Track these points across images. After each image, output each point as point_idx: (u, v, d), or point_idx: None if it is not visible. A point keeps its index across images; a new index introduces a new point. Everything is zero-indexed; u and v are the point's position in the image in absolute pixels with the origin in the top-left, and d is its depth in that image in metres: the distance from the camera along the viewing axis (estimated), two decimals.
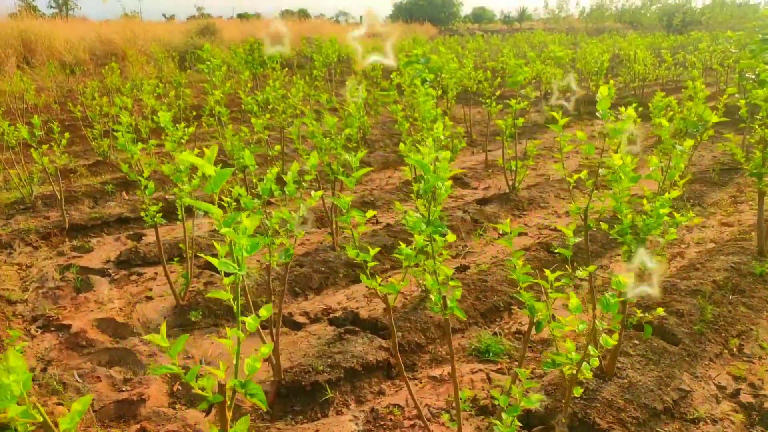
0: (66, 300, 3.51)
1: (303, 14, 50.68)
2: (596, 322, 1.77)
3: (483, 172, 6.25)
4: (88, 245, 4.37)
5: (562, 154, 3.00)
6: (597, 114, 2.52)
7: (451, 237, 2.41)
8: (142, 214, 3.05)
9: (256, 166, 3.02)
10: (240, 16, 49.70)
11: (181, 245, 3.44)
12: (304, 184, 2.67)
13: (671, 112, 4.80)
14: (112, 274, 3.87)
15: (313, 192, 2.41)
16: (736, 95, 6.88)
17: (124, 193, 5.71)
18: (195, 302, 3.30)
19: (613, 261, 3.88)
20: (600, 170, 2.54)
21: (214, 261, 1.26)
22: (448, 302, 1.87)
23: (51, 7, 46.53)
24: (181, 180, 3.02)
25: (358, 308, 3.34)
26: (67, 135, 5.39)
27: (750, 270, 3.48)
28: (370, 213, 2.09)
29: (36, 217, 5.03)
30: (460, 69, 5.78)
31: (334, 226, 4.12)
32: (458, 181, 5.89)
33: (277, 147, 5.02)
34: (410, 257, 3.06)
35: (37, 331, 3.16)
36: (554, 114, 2.81)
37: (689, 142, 2.92)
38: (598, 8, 47.73)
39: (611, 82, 5.93)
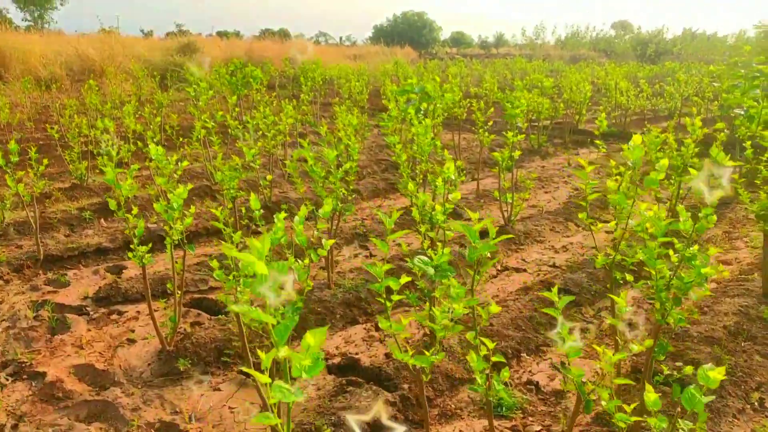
0: (40, 342, 3.24)
1: (284, 34, 50.85)
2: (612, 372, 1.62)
3: (475, 202, 6.15)
4: (64, 278, 4.10)
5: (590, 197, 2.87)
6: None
7: (452, 281, 2.28)
8: (130, 255, 2.82)
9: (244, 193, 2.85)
10: (219, 33, 49.55)
11: (168, 285, 3.22)
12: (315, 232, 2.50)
13: (667, 149, 4.78)
14: (91, 313, 3.61)
15: (324, 240, 2.24)
16: (726, 130, 6.93)
17: (102, 220, 5.44)
18: (182, 347, 3.07)
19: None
20: (630, 221, 2.42)
21: (263, 378, 1.07)
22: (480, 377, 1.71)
23: (25, 20, 45.76)
24: (173, 218, 2.82)
25: (357, 354, 3.15)
26: (45, 161, 5.13)
27: (758, 314, 3.40)
28: (404, 279, 1.93)
29: (7, 246, 4.73)
30: (448, 94, 5.72)
31: (330, 260, 3.94)
32: (454, 215, 5.77)
33: (269, 176, 4.86)
34: (414, 298, 2.90)
35: (7, 380, 2.89)
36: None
37: (687, 179, 2.83)
38: (573, 36, 48.91)
39: (603, 115, 5.92)
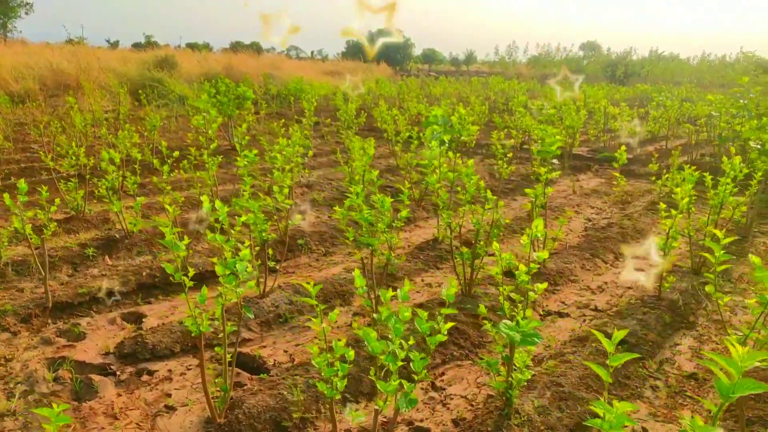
0: (67, 412, 2.90)
1: (256, 48, 50.42)
2: None
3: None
4: (78, 329, 3.75)
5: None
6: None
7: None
8: (192, 328, 2.53)
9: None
10: (190, 45, 48.85)
11: (192, 327, 2.93)
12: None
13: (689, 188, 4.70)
14: (117, 373, 3.28)
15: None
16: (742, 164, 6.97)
17: (107, 257, 5.07)
18: (234, 420, 2.78)
19: (675, 353, 3.64)
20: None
21: None
22: None
23: None
24: (229, 282, 2.55)
25: (423, 420, 2.92)
26: (44, 191, 4.77)
27: None
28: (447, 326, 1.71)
29: (8, 290, 4.33)
30: (474, 127, 5.59)
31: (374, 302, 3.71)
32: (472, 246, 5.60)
33: (297, 219, 4.60)
34: (493, 365, 2.70)
35: None
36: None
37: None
38: (545, 56, 50.03)
39: (623, 148, 5.86)
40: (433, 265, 5.12)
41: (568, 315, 4.16)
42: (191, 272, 2.74)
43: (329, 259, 5.33)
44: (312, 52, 71.79)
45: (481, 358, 3.51)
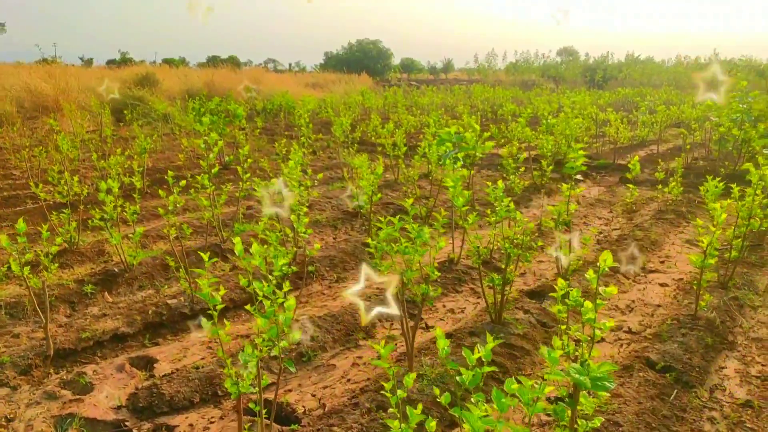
0: None
1: (234, 62, 50.04)
2: None
3: None
4: (84, 379, 3.45)
5: None
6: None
7: None
8: (232, 389, 2.28)
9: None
10: (166, 61, 48.24)
11: (228, 383, 2.66)
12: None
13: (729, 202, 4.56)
14: (133, 431, 2.99)
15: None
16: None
17: (106, 293, 4.76)
18: None
19: (723, 377, 3.46)
20: None
21: None
22: None
23: None
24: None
25: None
26: (45, 230, 4.47)
27: None
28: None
29: (1, 336, 4.00)
30: (489, 142, 5.41)
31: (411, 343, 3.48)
32: (488, 265, 5.41)
33: (315, 248, 4.36)
34: (560, 412, 2.49)
35: None
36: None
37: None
38: (524, 62, 50.44)
39: (635, 158, 5.71)
40: (452, 288, 4.91)
41: (602, 339, 3.97)
42: (218, 304, 2.47)
43: (342, 286, 5.09)
44: (290, 65, 71.54)
45: None
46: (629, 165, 6.36)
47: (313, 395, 3.35)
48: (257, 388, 2.52)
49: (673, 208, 7.32)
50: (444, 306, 4.62)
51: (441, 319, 4.36)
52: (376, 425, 2.86)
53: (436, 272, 3.20)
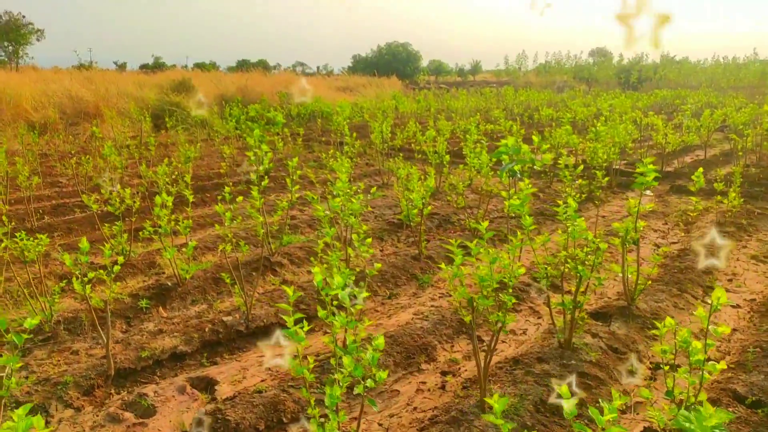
0: None
1: (264, 66, 50.54)
2: None
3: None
4: (146, 401, 3.39)
5: None
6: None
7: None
8: (314, 428, 2.17)
9: None
10: (198, 65, 48.98)
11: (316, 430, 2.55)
12: None
13: None
14: None
15: None
16: None
17: (161, 308, 4.74)
18: None
19: None
20: None
21: None
22: None
23: None
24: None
25: None
26: (107, 249, 4.45)
27: None
28: None
29: (61, 353, 4.00)
30: (548, 155, 5.23)
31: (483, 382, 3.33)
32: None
33: (375, 267, 4.26)
34: None
35: None
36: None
37: None
38: (555, 63, 49.73)
39: (700, 170, 5.45)
40: (510, 307, 4.74)
41: (679, 366, 3.75)
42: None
43: (395, 303, 4.96)
44: (318, 68, 71.94)
45: None
46: (693, 177, 6.08)
47: (380, 424, 3.23)
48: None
49: (732, 220, 7.00)
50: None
51: (503, 341, 4.20)
52: None
53: (512, 299, 3.04)
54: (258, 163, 5.24)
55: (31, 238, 4.27)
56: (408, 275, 5.42)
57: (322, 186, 8.44)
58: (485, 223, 3.21)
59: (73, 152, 10.65)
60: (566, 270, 3.67)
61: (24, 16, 44.87)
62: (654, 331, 2.91)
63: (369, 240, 4.01)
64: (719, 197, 7.03)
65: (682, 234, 6.78)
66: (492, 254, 3.01)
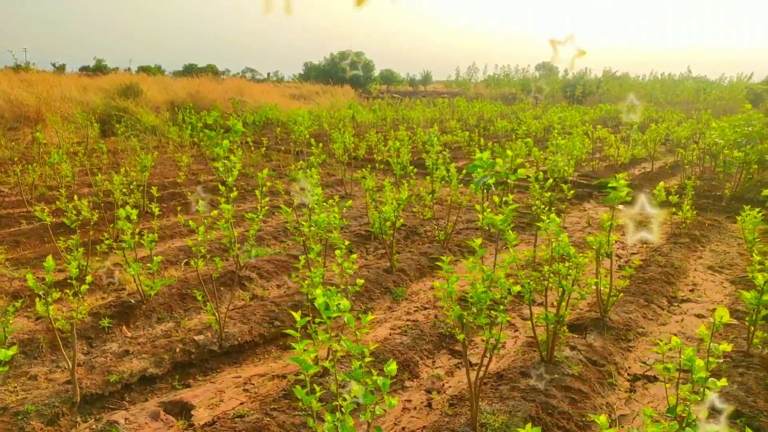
0: None
1: (213, 71, 49.41)
2: None
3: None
4: (117, 430, 3.17)
5: None
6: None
7: None
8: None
9: None
10: (142, 68, 47.32)
11: None
12: None
13: None
14: None
15: None
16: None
17: (124, 327, 4.47)
18: None
19: None
20: None
21: None
22: None
23: None
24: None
25: None
26: (74, 267, 4.17)
27: None
28: None
29: (18, 377, 3.70)
30: (522, 170, 5.30)
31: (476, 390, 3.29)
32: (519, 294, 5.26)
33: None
34: None
35: None
36: None
37: None
38: (504, 76, 51.06)
39: (661, 184, 5.65)
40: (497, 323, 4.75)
41: (656, 378, 3.85)
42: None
43: (370, 318, 4.87)
44: (269, 74, 71.08)
45: None
46: (655, 191, 6.33)
47: None
48: None
49: (686, 231, 7.31)
50: (483, 340, 4.45)
51: (482, 365, 4.18)
52: None
53: (506, 316, 3.03)
54: (227, 174, 5.06)
55: None
56: (382, 288, 5.36)
57: (287, 196, 8.28)
58: (479, 240, 3.19)
59: (14, 159, 10.01)
60: (549, 285, 3.70)
61: None
62: (654, 348, 2.95)
63: (354, 256, 3.92)
64: (674, 209, 7.35)
65: (640, 245, 7.03)
66: (486, 271, 2.99)
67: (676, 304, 5.17)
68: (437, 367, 4.02)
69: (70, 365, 3.37)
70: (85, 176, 9.93)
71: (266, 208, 5.61)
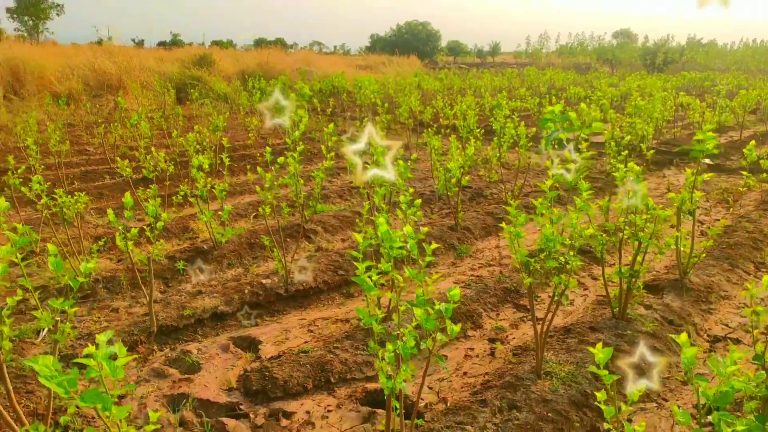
0: None
1: (281, 44, 50.08)
2: None
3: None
4: (190, 358, 3.33)
5: None
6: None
7: None
8: (383, 380, 2.07)
9: None
10: (215, 43, 48.67)
11: (385, 383, 2.45)
12: None
13: None
14: (250, 415, 2.85)
15: None
16: None
17: (197, 270, 4.67)
18: None
19: None
20: None
21: None
22: None
23: (18, 30, 44.64)
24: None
25: None
26: (151, 206, 4.38)
27: None
28: None
29: (101, 310, 3.96)
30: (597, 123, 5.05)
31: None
32: (587, 254, 5.06)
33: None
34: None
35: None
36: None
37: None
38: (578, 45, 48.71)
39: (752, 143, 5.24)
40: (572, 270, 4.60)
41: (739, 341, 3.61)
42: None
43: (434, 272, 4.85)
44: (335, 47, 71.25)
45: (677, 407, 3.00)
46: (745, 150, 5.86)
47: (430, 387, 3.14)
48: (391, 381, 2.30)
49: None
50: (549, 296, 4.32)
51: (549, 311, 4.06)
52: (511, 426, 2.62)
53: (577, 260, 2.91)
54: (294, 128, 5.12)
55: (69, 196, 4.21)
56: (446, 245, 5.30)
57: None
58: (548, 199, 3.06)
59: (98, 122, 10.61)
60: (624, 236, 3.52)
61: None
62: (745, 310, 2.74)
63: (418, 201, 3.89)
64: (765, 174, 6.78)
65: (724, 211, 6.56)
66: (558, 213, 2.87)
67: (764, 269, 4.80)
68: (501, 320, 3.95)
69: (148, 297, 3.56)
70: (162, 138, 10.38)
71: (332, 162, 5.65)
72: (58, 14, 47.04)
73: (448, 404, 2.94)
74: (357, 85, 13.02)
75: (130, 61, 17.72)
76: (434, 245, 2.51)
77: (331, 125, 5.44)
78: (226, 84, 18.25)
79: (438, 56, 50.48)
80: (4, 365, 2.09)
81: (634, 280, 3.54)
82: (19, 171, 4.98)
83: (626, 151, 6.05)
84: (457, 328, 2.16)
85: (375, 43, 52.87)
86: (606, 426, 2.02)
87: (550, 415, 2.71)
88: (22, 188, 4.57)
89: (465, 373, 3.26)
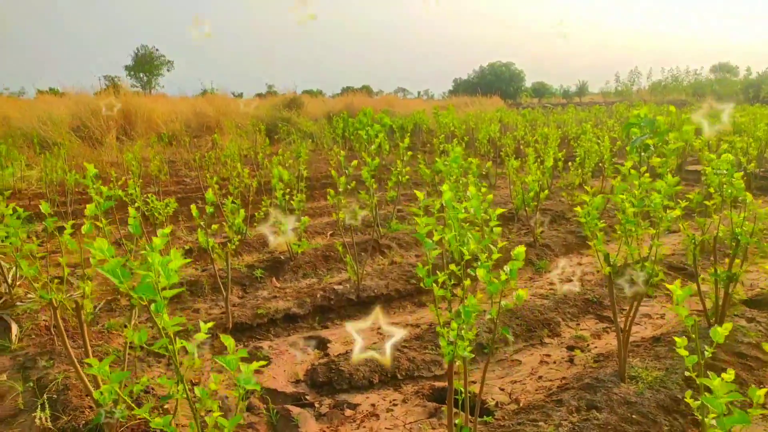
0: None
1: (367, 90, 51.94)
2: None
3: None
4: (261, 353, 3.39)
5: None
6: None
7: None
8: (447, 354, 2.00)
9: None
10: (306, 92, 51.43)
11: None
12: None
13: None
14: (315, 405, 2.82)
15: None
16: None
17: (274, 278, 4.81)
18: None
19: None
20: None
21: None
22: None
23: (134, 86, 49.72)
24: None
25: None
26: (239, 216, 4.61)
27: None
28: None
29: (183, 310, 4.15)
30: (687, 126, 4.76)
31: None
32: (678, 270, 4.68)
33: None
34: None
35: None
36: None
37: None
38: (672, 80, 46.51)
39: None
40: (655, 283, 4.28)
41: None
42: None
43: (510, 285, 4.66)
44: (418, 93, 72.81)
45: None
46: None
47: (501, 389, 2.97)
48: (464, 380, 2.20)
49: None
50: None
51: (637, 323, 3.76)
52: (590, 426, 2.41)
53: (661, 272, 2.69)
54: (375, 154, 5.23)
55: (160, 202, 4.52)
56: (524, 260, 5.09)
57: (429, 188, 8.35)
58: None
59: (196, 158, 11.44)
60: (718, 233, 3.22)
61: (157, 49, 49.80)
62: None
63: (498, 230, 3.79)
64: None
65: None
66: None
67: None
68: (582, 329, 3.70)
69: (225, 294, 3.69)
70: (252, 171, 10.98)
71: (406, 189, 5.68)
72: (168, 70, 52.00)
73: (521, 404, 2.76)
74: (436, 117, 13.15)
75: (228, 106, 19.14)
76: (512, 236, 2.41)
77: (409, 152, 5.48)
78: (313, 123, 19.16)
79: (522, 97, 50.06)
80: (85, 325, 2.23)
81: (732, 284, 3.21)
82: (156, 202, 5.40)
83: (741, 173, 5.62)
84: (523, 293, 2.05)
85: (458, 86, 53.47)
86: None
87: (634, 417, 2.46)
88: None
89: (540, 377, 3.07)
